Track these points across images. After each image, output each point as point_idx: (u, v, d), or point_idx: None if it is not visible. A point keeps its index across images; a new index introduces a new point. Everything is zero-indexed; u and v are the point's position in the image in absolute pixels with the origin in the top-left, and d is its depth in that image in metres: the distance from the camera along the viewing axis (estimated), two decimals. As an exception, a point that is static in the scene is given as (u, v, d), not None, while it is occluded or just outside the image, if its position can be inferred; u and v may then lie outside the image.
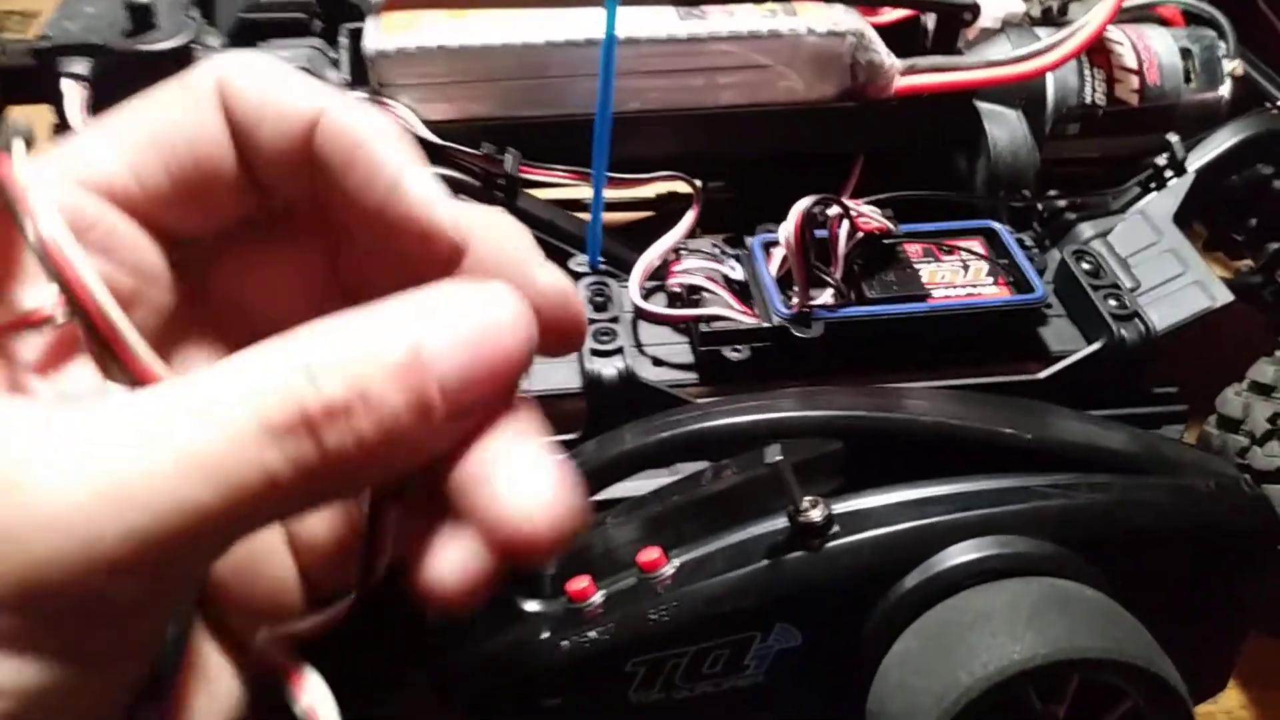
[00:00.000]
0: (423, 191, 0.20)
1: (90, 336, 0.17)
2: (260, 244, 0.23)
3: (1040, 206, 0.54)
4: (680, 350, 0.47)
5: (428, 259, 0.21)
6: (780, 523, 0.36)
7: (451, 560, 0.19)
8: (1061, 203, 0.53)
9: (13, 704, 0.15)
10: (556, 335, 0.22)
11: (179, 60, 0.42)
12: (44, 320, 0.19)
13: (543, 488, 0.19)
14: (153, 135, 0.21)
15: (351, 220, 0.21)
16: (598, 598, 0.37)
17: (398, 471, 0.18)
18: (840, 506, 0.36)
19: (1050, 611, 0.32)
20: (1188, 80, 0.57)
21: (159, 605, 0.17)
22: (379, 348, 0.17)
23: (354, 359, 0.17)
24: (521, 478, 0.19)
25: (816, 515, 0.35)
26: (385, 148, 0.20)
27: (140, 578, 0.16)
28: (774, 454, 0.34)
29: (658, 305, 0.47)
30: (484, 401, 0.19)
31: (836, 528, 0.35)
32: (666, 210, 0.58)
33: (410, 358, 0.17)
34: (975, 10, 0.51)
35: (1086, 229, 0.52)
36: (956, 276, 0.47)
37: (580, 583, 0.37)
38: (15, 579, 0.15)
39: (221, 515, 0.16)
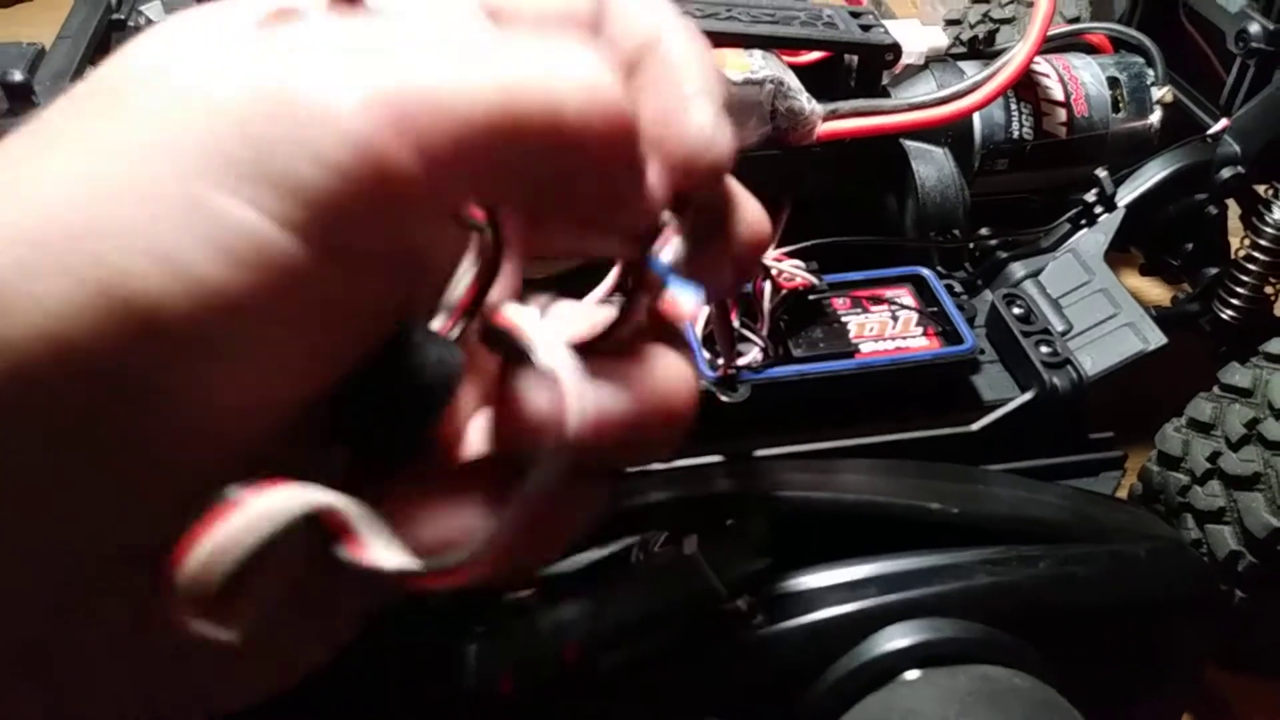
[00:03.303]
0: None
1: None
2: None
3: (971, 245, 0.53)
4: (605, 415, 0.45)
5: None
6: (705, 611, 0.34)
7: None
8: (993, 242, 0.52)
9: (265, 275, 0.15)
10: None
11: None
12: None
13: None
14: None
15: None
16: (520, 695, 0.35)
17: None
18: (765, 591, 0.34)
19: (979, 707, 0.30)
20: (1116, 110, 0.56)
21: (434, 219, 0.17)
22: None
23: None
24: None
25: (741, 604, 0.34)
26: None
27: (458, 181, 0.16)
28: (691, 546, 0.33)
29: (582, 367, 0.46)
30: None
31: (761, 616, 0.34)
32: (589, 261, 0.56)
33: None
34: (897, 51, 0.50)
35: (1018, 269, 0.51)
36: (885, 328, 0.46)
37: (503, 679, 0.35)
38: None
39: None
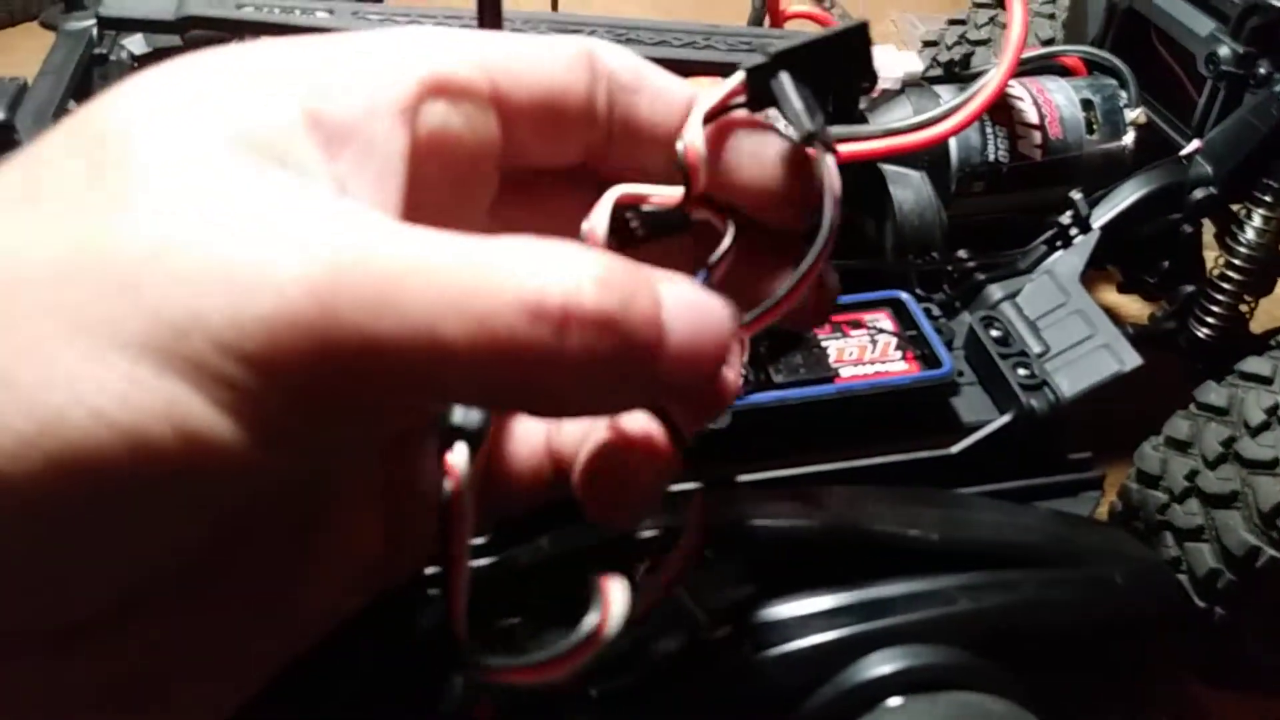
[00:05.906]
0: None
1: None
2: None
3: (949, 268, 0.53)
4: (588, 443, 0.45)
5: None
6: (683, 639, 0.35)
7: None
8: (971, 264, 0.53)
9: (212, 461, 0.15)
10: None
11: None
12: None
13: None
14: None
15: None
16: (502, 727, 0.35)
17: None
18: (744, 620, 0.35)
19: (958, 735, 0.31)
20: (1090, 131, 0.57)
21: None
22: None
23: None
24: None
25: (720, 633, 0.34)
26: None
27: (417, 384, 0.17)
28: (672, 577, 0.33)
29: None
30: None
31: (743, 645, 0.34)
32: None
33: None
34: (873, 78, 0.50)
35: (996, 290, 0.52)
36: (865, 353, 0.46)
37: (483, 711, 0.36)
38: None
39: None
